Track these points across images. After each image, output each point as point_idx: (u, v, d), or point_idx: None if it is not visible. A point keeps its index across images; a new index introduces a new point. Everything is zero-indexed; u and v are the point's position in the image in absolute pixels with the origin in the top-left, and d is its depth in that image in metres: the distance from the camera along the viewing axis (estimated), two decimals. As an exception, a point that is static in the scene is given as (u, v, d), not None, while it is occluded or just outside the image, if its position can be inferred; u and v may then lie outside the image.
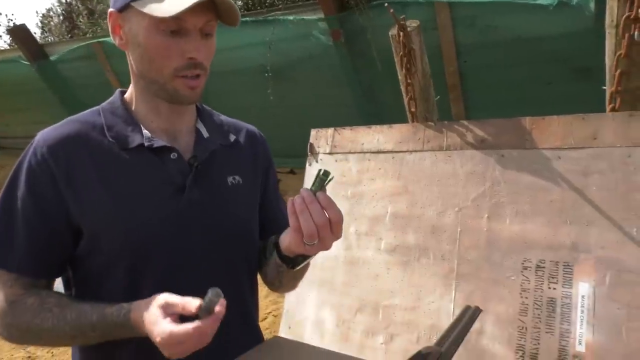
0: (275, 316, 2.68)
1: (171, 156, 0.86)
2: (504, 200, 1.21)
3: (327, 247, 0.77)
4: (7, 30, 5.72)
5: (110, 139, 0.84)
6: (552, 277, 1.08)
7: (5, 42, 7.06)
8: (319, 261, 1.49)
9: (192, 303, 0.71)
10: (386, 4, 1.47)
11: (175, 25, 0.78)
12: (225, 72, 3.89)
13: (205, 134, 0.93)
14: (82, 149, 0.82)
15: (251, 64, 3.86)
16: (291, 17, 3.56)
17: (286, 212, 0.75)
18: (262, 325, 2.75)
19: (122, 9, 0.81)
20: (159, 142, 0.85)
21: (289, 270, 0.88)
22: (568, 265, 1.08)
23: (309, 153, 1.67)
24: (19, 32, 5.34)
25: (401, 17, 1.40)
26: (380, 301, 1.32)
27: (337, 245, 1.50)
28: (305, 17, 3.52)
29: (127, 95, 0.91)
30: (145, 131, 0.86)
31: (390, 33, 1.46)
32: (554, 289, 1.08)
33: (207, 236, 0.86)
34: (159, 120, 0.88)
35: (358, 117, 3.81)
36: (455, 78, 3.48)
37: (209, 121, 0.97)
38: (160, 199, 0.83)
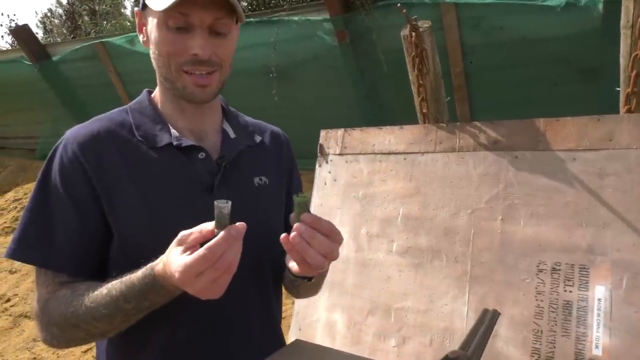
0: (283, 317, 2.65)
1: (199, 156, 0.85)
2: (517, 202, 1.21)
3: (335, 258, 0.74)
4: (9, 30, 5.69)
5: (139, 138, 0.84)
6: (568, 280, 1.08)
7: (7, 42, 7.06)
8: (330, 264, 1.48)
9: (208, 224, 0.66)
10: (398, 5, 1.46)
11: (182, 22, 0.78)
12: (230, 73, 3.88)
13: (232, 134, 0.93)
14: (112, 147, 0.81)
15: (256, 65, 3.85)
16: (296, 18, 3.56)
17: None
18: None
19: (143, 7, 0.81)
20: (187, 142, 0.84)
21: (306, 282, 0.87)
22: (584, 268, 1.07)
23: (318, 154, 1.67)
24: (21, 33, 5.34)
25: (414, 17, 1.40)
26: (392, 303, 1.32)
27: (348, 247, 1.50)
28: (310, 17, 3.51)
29: (154, 95, 0.91)
30: (173, 130, 0.85)
31: (402, 33, 1.45)
32: (570, 291, 1.07)
33: None
34: (184, 120, 0.88)
35: (362, 118, 3.81)
36: (461, 79, 3.48)
37: (234, 122, 0.96)
38: (189, 199, 0.82)
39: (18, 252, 0.79)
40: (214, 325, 0.84)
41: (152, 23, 0.80)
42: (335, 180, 1.58)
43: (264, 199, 0.92)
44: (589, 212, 1.11)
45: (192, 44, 0.78)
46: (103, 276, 0.80)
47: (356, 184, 1.52)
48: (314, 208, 1.59)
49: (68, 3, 7.14)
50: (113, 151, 0.81)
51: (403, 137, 1.47)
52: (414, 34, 1.38)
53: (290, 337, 1.49)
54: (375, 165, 1.50)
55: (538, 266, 1.13)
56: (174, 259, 0.66)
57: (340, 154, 1.60)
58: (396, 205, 1.41)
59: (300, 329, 1.46)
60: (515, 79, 3.14)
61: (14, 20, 7.01)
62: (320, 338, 1.41)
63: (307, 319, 1.46)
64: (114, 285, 0.74)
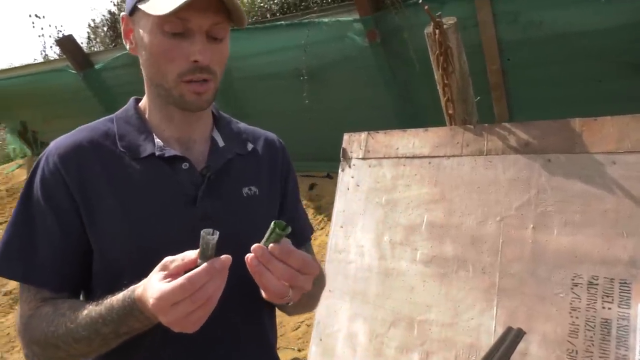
0: (308, 325, 2.62)
1: (183, 166, 0.82)
2: (551, 210, 1.12)
3: (306, 289, 0.69)
4: (55, 41, 5.96)
5: (121, 148, 0.82)
6: (607, 296, 0.98)
7: (55, 52, 7.39)
8: (352, 272, 1.43)
9: (192, 253, 0.62)
10: (420, 1, 1.40)
11: (179, 27, 0.74)
12: (260, 77, 3.89)
13: (221, 142, 0.89)
14: (94, 158, 0.80)
15: (286, 68, 3.84)
16: (326, 19, 3.52)
17: (305, 217, 0.68)
18: (295, 334, 2.70)
19: (131, 12, 0.79)
20: (170, 152, 0.82)
21: (289, 305, 0.82)
22: (625, 283, 0.97)
23: (341, 158, 1.62)
24: (66, 43, 5.56)
25: (437, 13, 1.33)
26: (415, 315, 1.25)
27: (370, 255, 1.44)
28: (340, 18, 3.47)
29: (141, 104, 0.89)
30: (157, 140, 0.83)
31: (425, 31, 1.38)
32: (609, 309, 0.97)
33: (220, 250, 0.81)
34: (171, 129, 0.85)
35: (395, 119, 3.72)
36: (497, 77, 3.33)
37: (226, 129, 0.93)
38: (170, 212, 0.79)
39: (0, 267, 0.78)
40: (198, 346, 0.80)
41: (144, 28, 0.77)
42: (358, 186, 1.53)
43: (253, 209, 0.88)
44: (631, 220, 1.01)
45: (192, 50, 0.75)
46: (88, 290, 0.78)
47: (379, 189, 1.46)
48: (337, 214, 1.54)
49: (110, 12, 7.40)
50: (94, 163, 0.79)
51: (428, 139, 1.40)
52: (437, 31, 1.31)
53: (311, 348, 1.45)
54: (399, 170, 1.44)
55: (573, 280, 1.04)
56: (153, 285, 0.62)
57: (363, 158, 1.54)
58: (420, 211, 1.34)
59: (321, 339, 1.42)
60: (556, 76, 2.98)
61: (61, 31, 7.32)
62: (340, 349, 1.36)
63: (327, 329, 1.41)
64: (94, 307, 0.72)
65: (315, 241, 3.40)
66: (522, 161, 1.20)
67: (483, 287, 1.16)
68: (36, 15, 7.46)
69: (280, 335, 2.60)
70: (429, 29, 1.36)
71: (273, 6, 4.24)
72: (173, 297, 0.60)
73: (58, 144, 0.81)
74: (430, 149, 1.38)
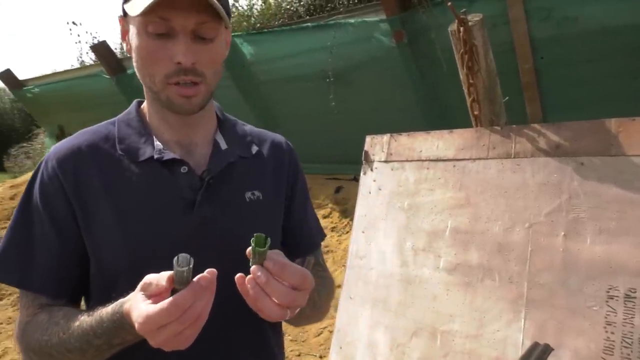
0: (330, 332, 2.59)
1: (181, 170, 0.80)
2: (584, 216, 1.05)
3: (301, 305, 0.67)
4: (90, 47, 6.14)
5: (120, 152, 0.80)
6: (646, 310, 0.91)
7: (90, 58, 7.62)
8: (373, 278, 1.38)
9: (164, 276, 0.60)
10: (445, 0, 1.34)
11: (162, 27, 0.72)
12: (287, 79, 3.88)
13: (224, 145, 0.87)
14: (92, 162, 0.79)
15: (312, 70, 3.83)
16: (352, 20, 3.49)
17: (314, 223, 0.65)
18: (317, 340, 2.66)
19: (125, 14, 0.78)
20: (168, 155, 0.80)
21: (287, 319, 0.79)
22: (666, 297, 0.90)
23: (363, 161, 1.58)
24: (100, 49, 5.73)
25: (462, 10, 1.27)
26: (438, 325, 1.20)
27: (392, 261, 1.39)
28: (366, 19, 3.43)
29: (143, 106, 0.88)
30: (157, 143, 0.81)
31: (449, 29, 1.33)
32: (649, 324, 0.90)
33: (219, 257, 0.79)
34: (170, 132, 0.83)
35: (423, 120, 3.65)
36: (530, 76, 3.22)
37: (230, 132, 0.91)
38: (168, 217, 0.77)
39: None
40: (196, 355, 0.78)
41: (132, 30, 0.76)
42: (380, 189, 1.48)
43: (255, 214, 0.85)
44: (673, 228, 0.93)
45: (174, 50, 0.73)
46: (87, 294, 0.77)
47: (402, 193, 1.41)
48: (358, 219, 1.50)
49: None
50: (92, 167, 0.78)
51: (452, 142, 1.35)
52: (462, 28, 1.25)
53: (331, 356, 1.41)
54: (422, 173, 1.38)
55: (608, 292, 0.97)
56: (136, 306, 0.61)
57: (385, 161, 1.50)
58: (444, 217, 1.29)
59: (340, 347, 1.38)
60: (593, 74, 2.85)
61: (95, 38, 7.55)
62: (360, 358, 1.31)
63: (347, 337, 1.37)
64: (85, 319, 0.71)
65: (341, 245, 3.36)
66: (553, 164, 1.13)
67: (510, 297, 1.10)
68: (74, 23, 7.70)
69: (302, 342, 2.58)
70: (452, 27, 1.30)
71: (299, 8, 4.24)
72: (159, 321, 0.58)
73: (58, 148, 0.81)
74: (454, 152, 1.33)
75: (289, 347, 2.71)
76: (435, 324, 1.21)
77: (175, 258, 0.59)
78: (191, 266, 0.59)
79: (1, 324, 3.92)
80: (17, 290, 0.79)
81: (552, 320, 1.02)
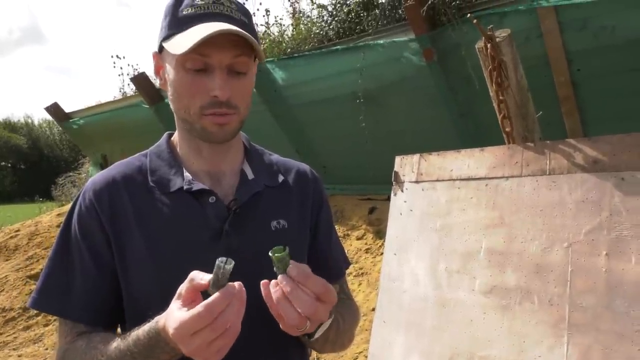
0: (365, 357, 2.53)
1: (210, 200, 0.82)
2: (627, 234, 0.99)
3: (322, 320, 0.67)
4: (130, 79, 6.42)
5: (151, 183, 0.83)
6: (701, 335, 0.84)
7: (131, 89, 7.97)
8: (407, 302, 1.35)
9: (198, 273, 0.62)
10: (469, 15, 1.33)
11: (200, 64, 0.76)
12: (317, 102, 3.92)
13: (251, 175, 0.88)
14: (125, 193, 0.82)
15: (343, 92, 3.85)
16: (381, 41, 3.50)
17: (339, 251, 0.64)
18: (352, 365, 2.60)
19: (160, 50, 0.81)
20: (197, 185, 0.82)
21: (306, 338, 0.78)
22: None
23: (393, 182, 1.56)
24: (139, 79, 5.98)
25: (489, 27, 1.26)
26: (475, 351, 1.15)
27: (425, 284, 1.35)
28: (395, 39, 3.44)
29: (173, 138, 0.90)
30: (186, 174, 0.83)
31: (476, 46, 1.31)
32: None
33: (245, 285, 0.79)
34: (200, 162, 0.85)
35: (457, 139, 3.59)
36: (567, 89, 3.12)
37: (256, 161, 0.92)
38: (195, 247, 0.79)
39: (39, 302, 0.82)
40: None
41: (169, 65, 0.79)
42: (411, 210, 1.46)
43: (281, 243, 0.85)
44: None
45: (212, 85, 0.76)
46: (122, 322, 0.79)
47: (433, 213, 1.38)
48: (389, 240, 1.48)
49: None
50: (126, 198, 0.81)
51: (484, 160, 1.31)
52: (489, 45, 1.23)
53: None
54: (453, 193, 1.35)
55: (658, 315, 0.90)
56: (171, 315, 0.63)
57: (416, 182, 1.48)
58: (478, 237, 1.25)
59: (375, 374, 1.34)
60: (633, 85, 2.73)
61: (136, 69, 7.91)
62: (396, 386, 1.28)
63: (382, 363, 1.33)
64: (122, 340, 0.73)
65: (375, 267, 3.31)
66: (591, 181, 1.09)
67: (551, 321, 1.05)
68: (117, 56, 8.09)
69: (340, 366, 2.53)
70: (480, 44, 1.29)
71: (329, 32, 4.30)
72: (192, 326, 0.59)
73: (94, 179, 0.85)
74: (486, 170, 1.29)
75: (325, 373, 2.67)
76: (472, 349, 1.16)
77: (218, 259, 0.62)
78: (231, 267, 0.61)
79: (47, 349, 4.05)
80: None
81: (597, 345, 0.97)
